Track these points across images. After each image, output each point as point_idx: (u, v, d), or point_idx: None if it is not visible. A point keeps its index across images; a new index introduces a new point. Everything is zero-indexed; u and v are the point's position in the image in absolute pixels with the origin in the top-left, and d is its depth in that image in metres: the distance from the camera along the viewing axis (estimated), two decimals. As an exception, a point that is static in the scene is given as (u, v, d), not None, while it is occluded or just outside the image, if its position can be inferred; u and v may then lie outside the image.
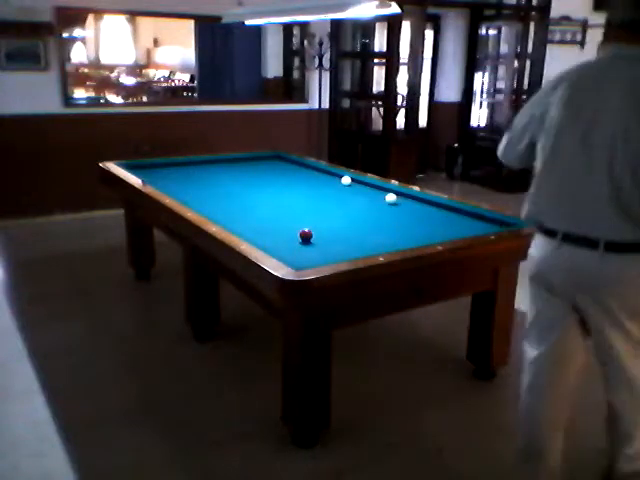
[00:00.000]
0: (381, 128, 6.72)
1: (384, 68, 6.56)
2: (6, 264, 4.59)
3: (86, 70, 9.56)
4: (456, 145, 7.73)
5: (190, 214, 2.79)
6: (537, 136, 1.88)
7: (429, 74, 7.93)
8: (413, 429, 2.58)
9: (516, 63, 6.91)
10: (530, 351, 1.99)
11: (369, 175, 3.83)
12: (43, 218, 5.42)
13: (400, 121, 6.86)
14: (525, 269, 2.01)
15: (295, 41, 6.84)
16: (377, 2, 2.72)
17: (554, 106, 1.81)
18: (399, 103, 6.83)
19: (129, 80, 9.47)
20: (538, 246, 1.91)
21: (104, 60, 10.38)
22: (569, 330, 1.91)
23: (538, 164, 1.89)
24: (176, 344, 3.26)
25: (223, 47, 6.87)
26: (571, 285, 1.83)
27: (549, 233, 1.84)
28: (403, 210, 3.15)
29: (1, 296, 3.89)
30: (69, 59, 8.20)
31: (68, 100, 5.43)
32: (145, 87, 9.52)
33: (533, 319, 2.00)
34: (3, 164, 5.21)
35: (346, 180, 3.70)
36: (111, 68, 9.98)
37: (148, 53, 11.05)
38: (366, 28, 6.85)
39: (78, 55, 9.84)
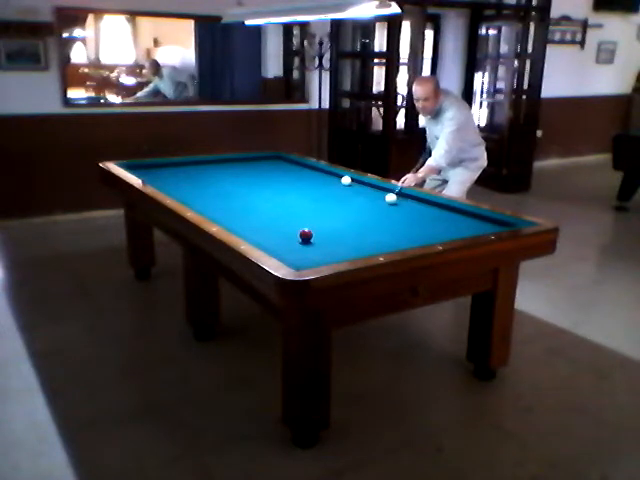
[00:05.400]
0: (381, 128, 6.72)
1: (384, 68, 6.55)
2: (6, 264, 4.59)
3: (86, 70, 9.54)
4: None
5: (190, 214, 2.79)
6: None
7: (429, 74, 7.91)
8: (413, 429, 2.58)
9: (516, 63, 6.90)
10: None
11: (369, 175, 3.83)
12: (43, 218, 5.43)
13: (400, 121, 6.86)
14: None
15: (295, 41, 6.84)
16: (377, 2, 2.72)
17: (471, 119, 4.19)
18: (399, 103, 6.83)
19: (129, 80, 9.43)
20: (484, 156, 4.15)
21: (104, 60, 10.35)
22: None
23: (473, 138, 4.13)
24: (176, 344, 3.27)
25: (223, 47, 6.84)
26: None
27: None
28: (403, 210, 3.16)
29: (1, 296, 3.89)
30: (69, 59, 8.17)
31: (68, 100, 5.43)
32: (145, 87, 9.48)
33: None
34: (3, 164, 5.22)
35: (346, 180, 3.70)
36: (111, 68, 9.94)
37: (148, 53, 11.03)
38: (366, 28, 6.84)
39: (78, 55, 9.82)
